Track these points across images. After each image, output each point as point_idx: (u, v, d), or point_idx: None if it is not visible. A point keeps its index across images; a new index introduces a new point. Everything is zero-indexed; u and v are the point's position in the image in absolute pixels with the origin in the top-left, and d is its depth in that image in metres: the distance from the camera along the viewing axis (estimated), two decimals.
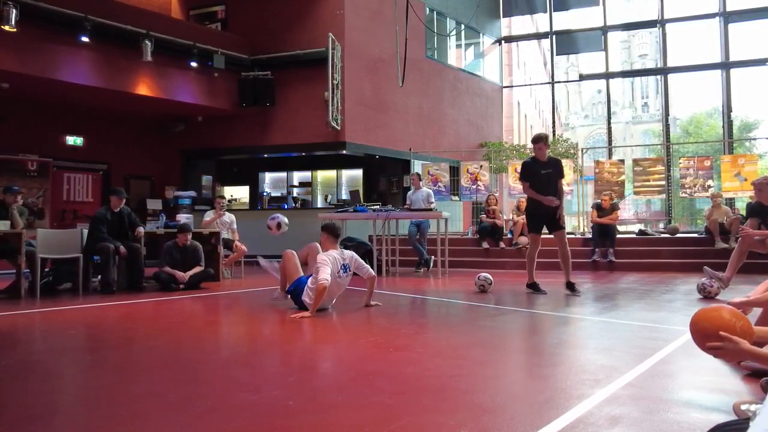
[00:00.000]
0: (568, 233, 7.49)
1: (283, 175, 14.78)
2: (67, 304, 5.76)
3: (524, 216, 9.97)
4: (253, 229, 9.17)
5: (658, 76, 19.87)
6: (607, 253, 9.14)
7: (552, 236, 6.22)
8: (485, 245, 10.13)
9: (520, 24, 19.40)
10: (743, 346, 1.99)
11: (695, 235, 10.16)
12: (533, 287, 6.13)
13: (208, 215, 8.60)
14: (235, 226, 8.70)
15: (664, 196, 11.92)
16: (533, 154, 6.19)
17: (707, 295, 5.57)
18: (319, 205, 13.97)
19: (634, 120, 65.69)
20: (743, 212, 9.26)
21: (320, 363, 3.35)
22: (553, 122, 18.27)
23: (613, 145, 15.53)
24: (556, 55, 16.91)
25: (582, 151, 13.54)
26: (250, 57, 11.72)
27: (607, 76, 15.86)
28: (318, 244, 5.05)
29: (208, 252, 7.31)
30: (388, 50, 12.08)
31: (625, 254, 9.31)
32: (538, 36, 19.24)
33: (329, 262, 4.72)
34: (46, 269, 6.67)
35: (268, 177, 14.86)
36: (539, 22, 20.12)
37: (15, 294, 6.17)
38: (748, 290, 3.14)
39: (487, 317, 4.76)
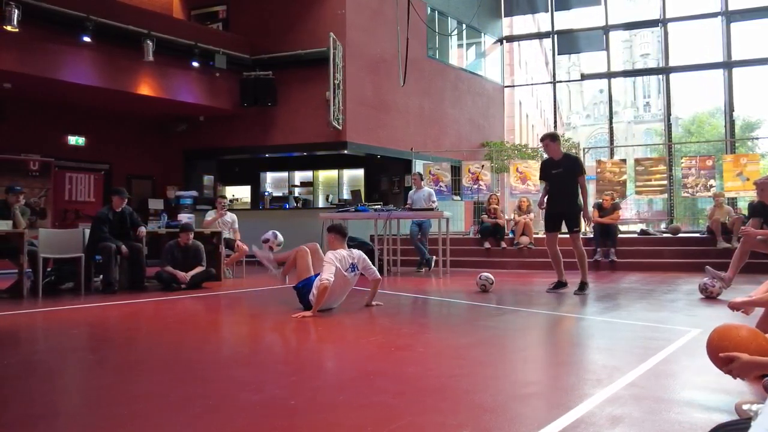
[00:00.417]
0: None
1: (285, 174, 14.80)
2: (68, 303, 5.77)
3: (527, 216, 10.06)
4: (255, 229, 9.16)
5: (660, 76, 19.81)
6: (609, 252, 9.14)
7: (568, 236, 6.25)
8: (487, 245, 10.13)
9: (521, 23, 19.37)
10: (745, 359, 1.92)
11: (697, 234, 10.14)
12: (559, 285, 6.12)
13: (210, 215, 8.61)
14: (236, 226, 8.72)
15: (665, 195, 11.88)
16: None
17: (709, 295, 5.56)
18: (321, 204, 13.97)
19: (635, 119, 65.54)
20: (745, 212, 9.25)
21: (321, 362, 3.35)
22: (555, 122, 18.28)
23: (614, 144, 15.49)
24: (558, 54, 16.86)
25: (584, 150, 13.54)
26: (251, 57, 11.72)
27: (609, 75, 15.81)
28: (307, 248, 5.05)
29: (209, 252, 7.32)
30: (389, 50, 12.07)
31: (627, 254, 9.30)
32: (540, 35, 19.20)
33: (335, 261, 4.70)
34: (48, 269, 6.68)
35: (270, 177, 14.88)
36: (541, 21, 20.10)
37: (17, 294, 6.18)
38: (749, 290, 3.12)
39: (489, 317, 4.76)
